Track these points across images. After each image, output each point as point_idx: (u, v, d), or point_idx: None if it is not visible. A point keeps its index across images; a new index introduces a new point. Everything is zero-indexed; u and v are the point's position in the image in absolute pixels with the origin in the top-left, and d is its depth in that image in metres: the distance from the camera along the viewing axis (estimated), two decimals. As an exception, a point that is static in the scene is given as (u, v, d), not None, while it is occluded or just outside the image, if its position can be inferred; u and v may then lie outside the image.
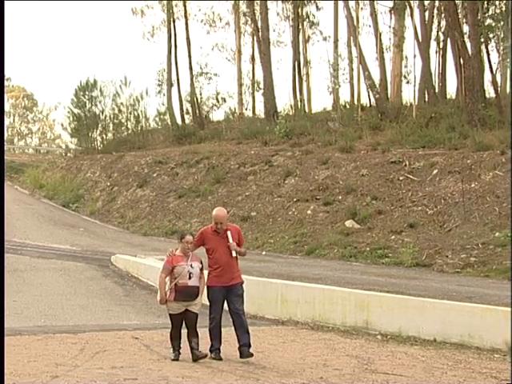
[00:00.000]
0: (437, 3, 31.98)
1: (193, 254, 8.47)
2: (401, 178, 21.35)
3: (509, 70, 27.16)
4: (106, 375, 7.36)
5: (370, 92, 30.08)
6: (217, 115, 39.25)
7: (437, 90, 31.45)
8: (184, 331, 8.44)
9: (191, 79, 36.43)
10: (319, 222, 20.92)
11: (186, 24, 36.32)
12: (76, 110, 39.15)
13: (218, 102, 38.55)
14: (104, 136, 39.75)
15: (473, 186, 19.30)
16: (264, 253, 19.75)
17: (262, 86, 34.99)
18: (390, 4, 33.13)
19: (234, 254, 8.46)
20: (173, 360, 8.33)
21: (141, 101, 38.84)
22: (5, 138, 26.14)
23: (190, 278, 8.29)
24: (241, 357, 8.33)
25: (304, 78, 35.79)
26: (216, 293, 8.44)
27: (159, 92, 38.67)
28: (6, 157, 36.47)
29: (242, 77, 38.22)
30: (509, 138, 17.92)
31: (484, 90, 26.13)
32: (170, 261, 8.42)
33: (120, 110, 39.09)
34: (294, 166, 24.53)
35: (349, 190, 21.79)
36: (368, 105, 31.21)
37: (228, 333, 8.61)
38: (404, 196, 20.51)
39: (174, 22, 36.70)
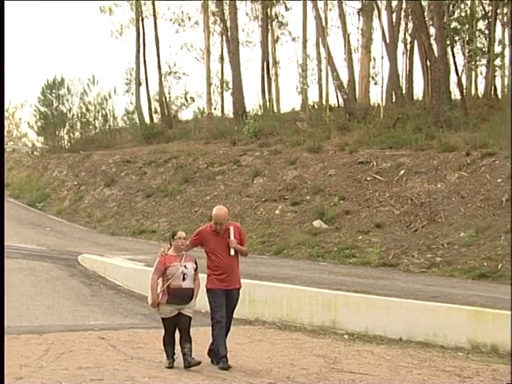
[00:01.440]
0: (404, 5, 32.32)
1: (186, 254, 8.05)
2: (368, 179, 21.49)
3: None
4: (72, 376, 7.31)
5: (338, 92, 30.25)
6: (185, 115, 39.17)
7: (404, 91, 31.77)
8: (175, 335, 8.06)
9: (160, 78, 36.28)
10: (287, 221, 20.98)
11: (155, 23, 36.18)
12: (43, 109, 38.71)
13: (187, 101, 38.43)
14: (71, 135, 39.39)
15: (439, 186, 19.51)
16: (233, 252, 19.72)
17: (230, 85, 34.95)
18: (358, 5, 33.41)
19: (232, 252, 8.01)
20: (167, 367, 7.91)
21: (109, 99, 38.56)
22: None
23: (183, 279, 7.86)
24: (213, 363, 8.08)
25: (273, 78, 35.89)
26: (219, 296, 8.01)
27: (127, 91, 38.41)
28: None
29: (211, 76, 38.13)
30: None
31: (450, 92, 26.44)
32: (162, 261, 7.96)
33: (88, 109, 38.75)
34: (263, 166, 24.57)
35: (317, 190, 21.88)
36: (336, 105, 31.38)
37: (195, 332, 8.59)
38: (371, 196, 20.66)
39: (142, 20, 36.51)
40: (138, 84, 36.65)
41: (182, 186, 25.67)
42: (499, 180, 18.60)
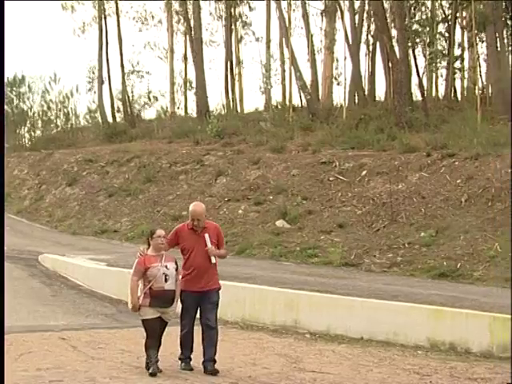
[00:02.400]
0: (366, 7, 32.61)
1: (166, 253, 7.68)
2: (331, 179, 21.63)
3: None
4: (31, 377, 7.23)
5: (302, 93, 30.42)
6: (148, 114, 38.98)
7: (366, 92, 32.09)
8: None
9: (123, 77, 36.05)
10: (250, 221, 21.01)
11: (118, 21, 35.94)
12: (3, 106, 38.20)
13: (150, 100, 38.27)
14: (32, 133, 38.97)
15: (400, 186, 19.72)
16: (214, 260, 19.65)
17: (194, 85, 34.93)
18: (322, 6, 33.62)
19: (213, 260, 7.73)
20: (151, 375, 7.45)
21: (71, 98, 38.29)
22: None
23: (166, 280, 7.47)
24: (205, 372, 7.71)
25: (236, 77, 35.89)
26: (189, 298, 7.70)
27: (90, 89, 38.14)
28: None
29: (175, 75, 38.08)
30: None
31: (411, 93, 26.77)
32: (141, 261, 7.53)
33: (49, 107, 38.40)
34: (226, 166, 24.57)
35: (279, 190, 21.95)
36: (299, 105, 31.53)
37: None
38: (334, 196, 20.80)
39: (105, 18, 36.28)
40: (101, 82, 36.39)
41: (144, 186, 25.54)
42: (459, 181, 18.89)
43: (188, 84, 37.30)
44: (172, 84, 37.50)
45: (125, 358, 8.46)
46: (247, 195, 22.37)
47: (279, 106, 32.47)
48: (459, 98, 30.46)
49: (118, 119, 36.71)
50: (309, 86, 30.36)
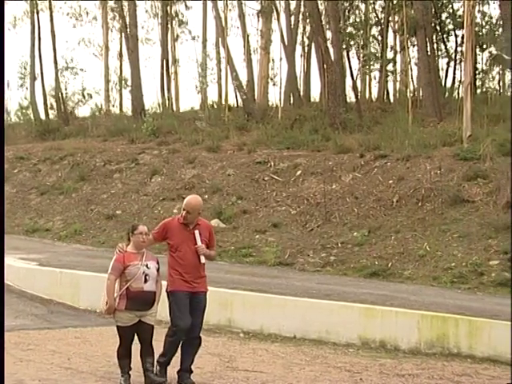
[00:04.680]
0: (302, 8, 32.94)
1: (147, 251, 7.22)
2: (266, 179, 21.77)
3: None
4: (-43, 381, 7.04)
5: (238, 93, 30.50)
6: (83, 111, 38.33)
7: (301, 93, 32.41)
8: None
9: (56, 73, 35.33)
10: (185, 221, 20.93)
11: (51, 16, 35.19)
12: None
13: (84, 97, 37.63)
14: (-40, 129, 37.84)
15: (334, 187, 20.00)
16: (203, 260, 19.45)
17: (129, 83, 34.56)
18: (258, 7, 33.79)
19: (202, 259, 7.27)
20: None
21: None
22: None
23: (145, 281, 6.95)
24: (179, 382, 7.26)
25: (172, 76, 35.71)
26: (182, 298, 7.15)
27: (21, 85, 37.31)
28: None
29: (109, 73, 37.59)
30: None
31: (345, 95, 27.20)
32: (121, 259, 6.99)
33: (-22, 103, 37.35)
34: (161, 165, 24.42)
35: (215, 189, 21.96)
36: (235, 105, 31.60)
37: (90, 332, 8.46)
38: (268, 196, 20.94)
39: (37, 13, 35.46)
40: (33, 79, 35.61)
41: (78, 184, 25.13)
42: (390, 181, 19.29)
43: (123, 82, 36.91)
44: (107, 81, 37.02)
45: (55, 360, 8.33)
46: (182, 194, 22.24)
47: (215, 106, 32.46)
48: (391, 100, 31.11)
49: (51, 116, 35.95)
50: (245, 86, 30.46)
